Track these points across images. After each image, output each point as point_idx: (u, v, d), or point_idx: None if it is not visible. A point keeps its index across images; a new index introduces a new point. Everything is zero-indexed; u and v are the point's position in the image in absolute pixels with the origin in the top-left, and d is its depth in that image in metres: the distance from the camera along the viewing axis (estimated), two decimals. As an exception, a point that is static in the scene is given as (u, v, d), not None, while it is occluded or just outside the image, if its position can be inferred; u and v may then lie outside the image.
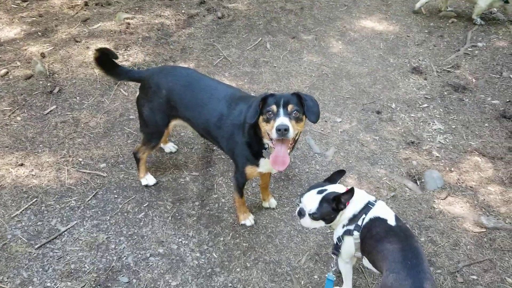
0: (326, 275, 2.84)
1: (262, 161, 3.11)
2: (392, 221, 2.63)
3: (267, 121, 2.80)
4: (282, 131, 2.67)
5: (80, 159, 4.02)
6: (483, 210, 3.76)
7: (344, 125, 4.66)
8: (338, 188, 2.75)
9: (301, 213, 2.78)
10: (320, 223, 2.76)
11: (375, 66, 5.67)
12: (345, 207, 2.69)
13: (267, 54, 5.73)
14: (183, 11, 6.51)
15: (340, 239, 2.77)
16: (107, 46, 5.51)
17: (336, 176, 2.85)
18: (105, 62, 3.46)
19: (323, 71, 5.49)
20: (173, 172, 3.98)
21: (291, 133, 2.70)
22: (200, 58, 5.55)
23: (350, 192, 2.62)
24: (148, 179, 3.80)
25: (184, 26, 6.17)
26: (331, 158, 4.23)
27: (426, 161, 4.25)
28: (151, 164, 4.02)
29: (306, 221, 2.77)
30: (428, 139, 4.52)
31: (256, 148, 3.06)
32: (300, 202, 2.80)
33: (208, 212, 3.65)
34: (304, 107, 2.84)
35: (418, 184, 4.01)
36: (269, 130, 2.79)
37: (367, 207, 2.70)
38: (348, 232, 2.72)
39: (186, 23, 6.25)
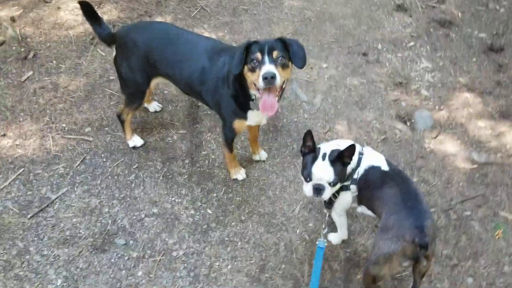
0: (317, 243, 2.70)
1: (250, 113, 3.04)
2: (385, 166, 2.62)
3: (253, 70, 2.70)
4: (269, 79, 2.58)
5: (64, 125, 3.91)
6: (474, 146, 3.78)
7: (330, 70, 4.57)
8: (329, 145, 2.67)
9: (320, 190, 2.55)
10: (337, 186, 2.63)
11: (359, 6, 5.50)
12: (351, 159, 2.57)
13: (246, 1, 5.52)
14: (155, -38, 6.21)
15: (334, 195, 2.72)
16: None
17: (309, 139, 2.61)
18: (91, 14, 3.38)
19: (305, 15, 5.32)
20: (160, 132, 3.90)
21: (278, 81, 2.62)
22: (176, 10, 5.33)
23: (351, 149, 2.51)
24: (135, 141, 3.73)
25: (158, -22, 5.89)
26: (319, 105, 4.17)
27: (415, 101, 4.21)
28: (137, 124, 3.94)
29: (328, 193, 2.58)
30: (416, 78, 4.46)
31: (242, 101, 2.98)
32: (309, 179, 2.57)
33: (198, 169, 3.62)
34: (289, 52, 2.74)
35: (408, 125, 3.99)
36: (255, 79, 2.70)
37: (359, 159, 2.66)
38: (345, 188, 2.67)
39: (160, -25, 5.96)
